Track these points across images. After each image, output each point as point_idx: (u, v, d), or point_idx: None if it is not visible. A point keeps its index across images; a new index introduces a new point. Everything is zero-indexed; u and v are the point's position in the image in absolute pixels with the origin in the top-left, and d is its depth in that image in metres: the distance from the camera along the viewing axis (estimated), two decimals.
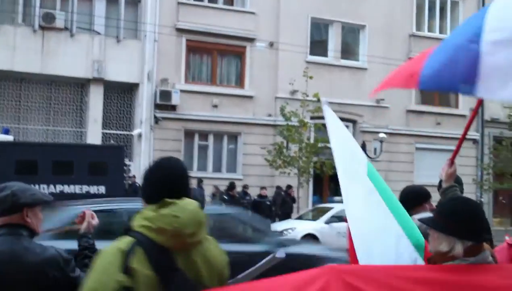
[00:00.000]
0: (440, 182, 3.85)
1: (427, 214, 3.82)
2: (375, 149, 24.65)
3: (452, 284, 2.62)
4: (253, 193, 20.53)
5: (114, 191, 16.49)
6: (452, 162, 3.83)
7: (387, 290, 2.50)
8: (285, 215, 18.91)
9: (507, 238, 4.77)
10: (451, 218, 2.82)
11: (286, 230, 18.19)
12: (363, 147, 23.61)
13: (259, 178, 22.80)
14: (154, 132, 22.48)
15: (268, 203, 19.57)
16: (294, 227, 17.87)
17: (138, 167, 22.12)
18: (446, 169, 3.80)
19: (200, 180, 20.89)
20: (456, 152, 3.91)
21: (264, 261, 3.47)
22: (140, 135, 22.38)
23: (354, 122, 25.23)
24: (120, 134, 22.78)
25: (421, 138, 26.54)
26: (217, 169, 23.60)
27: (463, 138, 3.95)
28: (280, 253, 3.54)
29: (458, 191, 3.75)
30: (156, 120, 22.51)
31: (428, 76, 3.32)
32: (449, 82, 3.30)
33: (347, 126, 24.68)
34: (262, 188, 20.27)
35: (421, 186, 5.04)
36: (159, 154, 22.34)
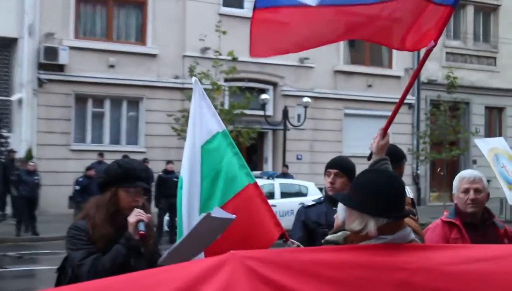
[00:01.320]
0: (371, 154, 3.88)
1: None
2: (298, 116, 24.95)
3: (362, 266, 2.65)
4: (158, 167, 20.38)
5: None
6: (385, 132, 3.87)
7: (292, 275, 2.56)
8: None
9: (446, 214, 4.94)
10: (363, 193, 2.84)
11: None
12: (285, 113, 23.84)
13: (165, 150, 22.65)
14: (38, 98, 21.87)
15: (175, 179, 19.45)
16: None
17: (18, 139, 21.54)
18: (378, 139, 3.83)
19: (100, 154, 20.54)
20: (390, 120, 3.95)
21: (197, 223, 3.44)
22: (20, 101, 21.73)
23: (274, 85, 25.41)
24: None
25: (350, 103, 27.08)
26: (115, 140, 23.28)
27: (400, 105, 4.00)
28: (218, 212, 3.53)
29: (389, 165, 3.78)
30: (40, 83, 21.90)
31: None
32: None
33: (267, 90, 24.98)
34: (169, 161, 20.10)
35: (346, 157, 5.23)
36: (44, 123, 21.81)
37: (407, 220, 3.09)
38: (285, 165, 23.29)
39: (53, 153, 21.61)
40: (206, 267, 2.53)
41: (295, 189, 19.67)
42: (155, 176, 19.39)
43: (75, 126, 22.58)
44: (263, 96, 23.48)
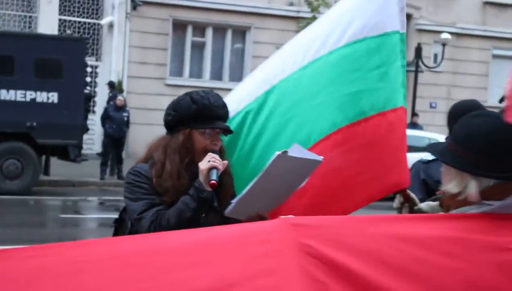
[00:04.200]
0: (503, 97, 3.63)
1: None
2: (435, 55, 24.58)
3: (455, 240, 2.37)
4: None
5: (70, 101, 16.42)
6: None
7: (360, 253, 2.29)
8: None
9: None
10: (464, 145, 2.55)
11: None
12: (418, 51, 23.29)
13: None
14: (131, 22, 22.27)
15: None
16: None
17: (108, 69, 22.04)
18: None
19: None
20: None
21: (268, 166, 3.31)
22: (111, 26, 22.20)
23: (408, 17, 24.73)
24: (85, 23, 22.58)
25: (501, 42, 26.40)
26: (217, 76, 23.53)
27: None
28: (296, 150, 3.33)
29: None
30: (134, 5, 22.28)
31: None
32: None
33: None
34: None
35: (473, 100, 4.95)
36: (137, 52, 22.24)
37: None
38: (415, 114, 22.87)
39: (146, 87, 22.02)
40: (252, 237, 2.32)
41: (424, 142, 19.27)
42: None
43: (171, 57, 22.90)
44: None
